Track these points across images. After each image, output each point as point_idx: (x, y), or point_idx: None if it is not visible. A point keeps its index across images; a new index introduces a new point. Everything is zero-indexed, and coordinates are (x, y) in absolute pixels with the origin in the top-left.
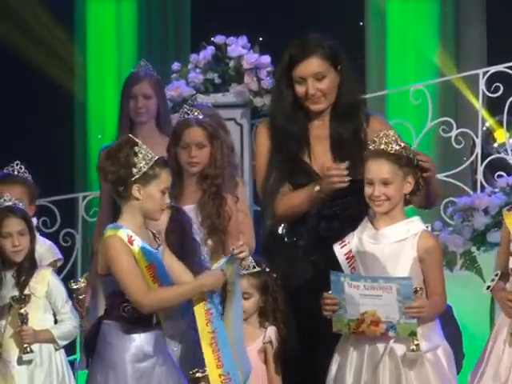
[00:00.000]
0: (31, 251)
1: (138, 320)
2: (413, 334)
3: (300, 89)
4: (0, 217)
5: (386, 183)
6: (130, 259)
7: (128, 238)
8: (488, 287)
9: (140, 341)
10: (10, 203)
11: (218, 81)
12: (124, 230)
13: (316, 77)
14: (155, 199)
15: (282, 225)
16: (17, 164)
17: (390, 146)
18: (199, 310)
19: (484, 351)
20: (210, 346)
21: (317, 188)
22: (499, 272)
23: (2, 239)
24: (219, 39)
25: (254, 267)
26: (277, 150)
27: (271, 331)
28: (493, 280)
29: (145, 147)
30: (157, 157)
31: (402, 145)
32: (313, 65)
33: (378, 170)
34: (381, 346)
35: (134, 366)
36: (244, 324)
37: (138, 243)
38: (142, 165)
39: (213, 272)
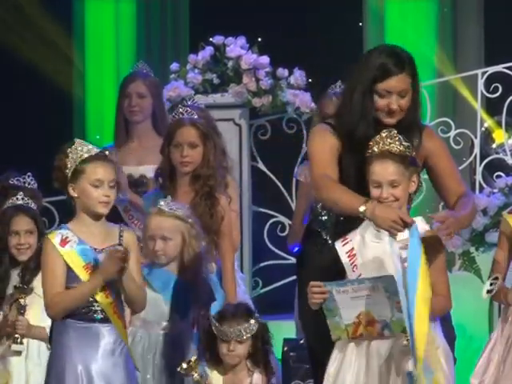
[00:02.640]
0: (39, 251)
1: (82, 315)
2: (405, 330)
3: (382, 101)
4: (10, 215)
5: (393, 184)
6: (52, 266)
7: (62, 239)
8: (489, 291)
9: (85, 336)
10: (21, 202)
11: (216, 81)
12: (60, 232)
13: (401, 93)
14: (87, 193)
15: (326, 230)
16: (28, 176)
17: (395, 146)
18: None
19: (483, 351)
20: None
21: (361, 209)
22: (499, 276)
23: (10, 237)
24: (218, 39)
25: (256, 328)
26: (349, 151)
27: (258, 379)
28: (492, 284)
29: (80, 146)
30: (92, 152)
31: (406, 144)
32: (402, 81)
33: (384, 171)
34: (381, 344)
35: (76, 362)
36: (231, 372)
37: (73, 244)
38: (70, 164)
39: (103, 264)
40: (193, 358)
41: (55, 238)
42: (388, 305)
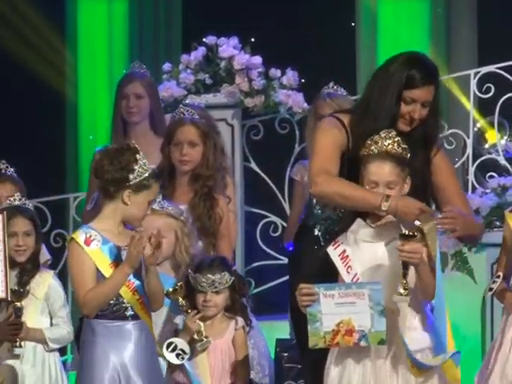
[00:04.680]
0: (36, 252)
1: (113, 313)
2: (382, 343)
3: (405, 108)
4: (8, 216)
5: (390, 186)
6: (81, 265)
7: (86, 238)
8: (491, 289)
9: (118, 335)
10: (18, 203)
11: (209, 81)
12: (84, 230)
13: (424, 104)
14: (141, 208)
15: (319, 225)
16: (3, 163)
17: (394, 147)
18: None
19: (490, 352)
20: None
21: (384, 207)
22: (501, 274)
23: (8, 238)
24: (210, 40)
25: (231, 280)
26: (354, 150)
27: (241, 321)
28: (494, 282)
29: (143, 156)
30: (152, 168)
31: (403, 146)
32: (429, 93)
33: (382, 171)
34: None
35: (112, 361)
36: (210, 321)
37: (97, 243)
38: (139, 173)
39: (128, 250)
40: (179, 284)
41: (79, 237)
42: (369, 315)
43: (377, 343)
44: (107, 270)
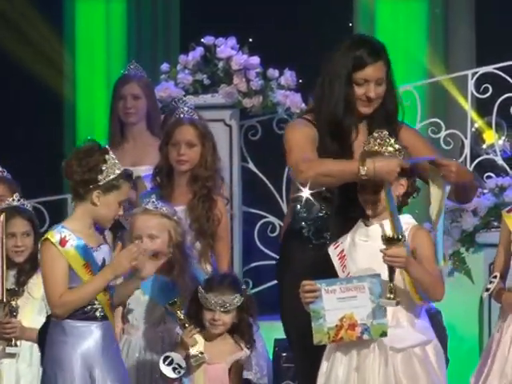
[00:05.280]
0: (34, 252)
1: (83, 314)
2: (384, 335)
3: (359, 90)
4: (6, 217)
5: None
6: (56, 266)
7: (61, 238)
8: (487, 289)
9: (87, 335)
10: (17, 203)
11: (206, 82)
12: (58, 230)
13: (378, 82)
14: (111, 209)
15: (307, 227)
16: None
17: (384, 147)
18: None
19: (487, 352)
20: None
21: (362, 172)
22: (498, 274)
23: (6, 239)
24: (208, 40)
25: (241, 301)
26: (331, 142)
27: (246, 355)
28: (491, 282)
29: (114, 156)
30: (123, 168)
31: (397, 147)
32: (380, 69)
33: None
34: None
35: (83, 361)
36: (214, 341)
37: (72, 243)
38: (107, 173)
39: (115, 259)
40: (178, 299)
41: (54, 237)
42: (370, 308)
43: (379, 335)
44: (81, 271)
